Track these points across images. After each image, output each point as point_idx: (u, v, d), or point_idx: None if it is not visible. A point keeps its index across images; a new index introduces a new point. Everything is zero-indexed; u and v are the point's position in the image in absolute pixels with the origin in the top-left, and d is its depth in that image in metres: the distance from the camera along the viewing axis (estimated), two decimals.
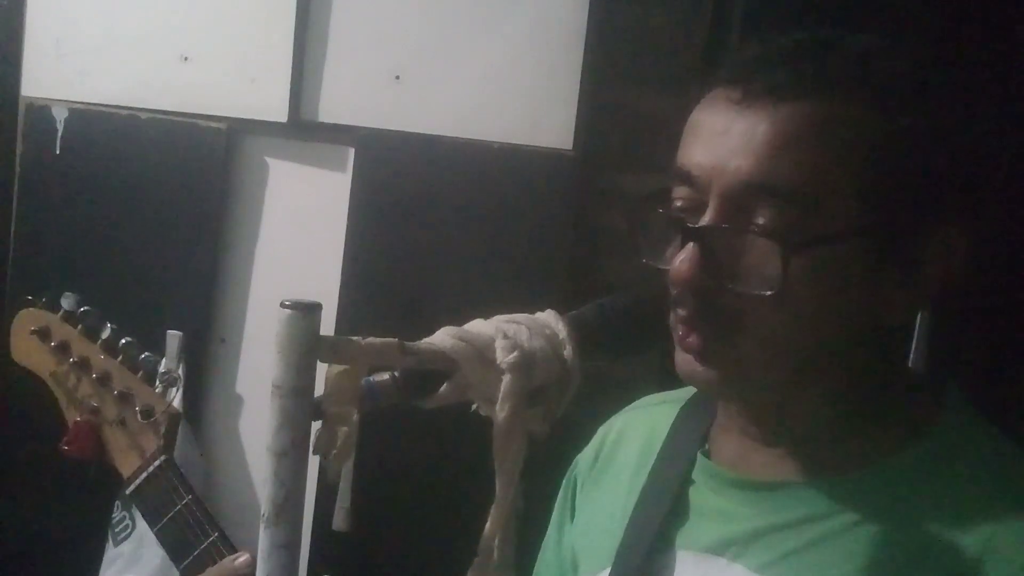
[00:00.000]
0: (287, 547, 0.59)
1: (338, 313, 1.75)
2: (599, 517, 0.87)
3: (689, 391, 0.87)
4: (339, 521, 0.73)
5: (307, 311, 0.58)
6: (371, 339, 0.63)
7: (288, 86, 1.78)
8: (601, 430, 0.95)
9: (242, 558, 0.90)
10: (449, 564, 0.77)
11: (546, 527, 0.97)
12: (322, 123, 1.81)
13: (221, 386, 1.88)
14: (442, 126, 1.75)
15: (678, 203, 0.71)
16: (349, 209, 1.77)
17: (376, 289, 1.77)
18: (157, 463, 0.93)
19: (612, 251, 1.69)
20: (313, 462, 0.61)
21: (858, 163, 0.64)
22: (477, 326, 0.69)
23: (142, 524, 1.31)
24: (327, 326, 0.59)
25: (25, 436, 1.82)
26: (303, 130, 1.81)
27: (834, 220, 0.64)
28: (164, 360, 1.81)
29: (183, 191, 1.83)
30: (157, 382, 0.96)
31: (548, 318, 0.71)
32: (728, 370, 0.69)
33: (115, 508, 1.72)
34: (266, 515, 0.59)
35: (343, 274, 1.77)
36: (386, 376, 0.67)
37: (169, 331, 1.82)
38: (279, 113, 1.80)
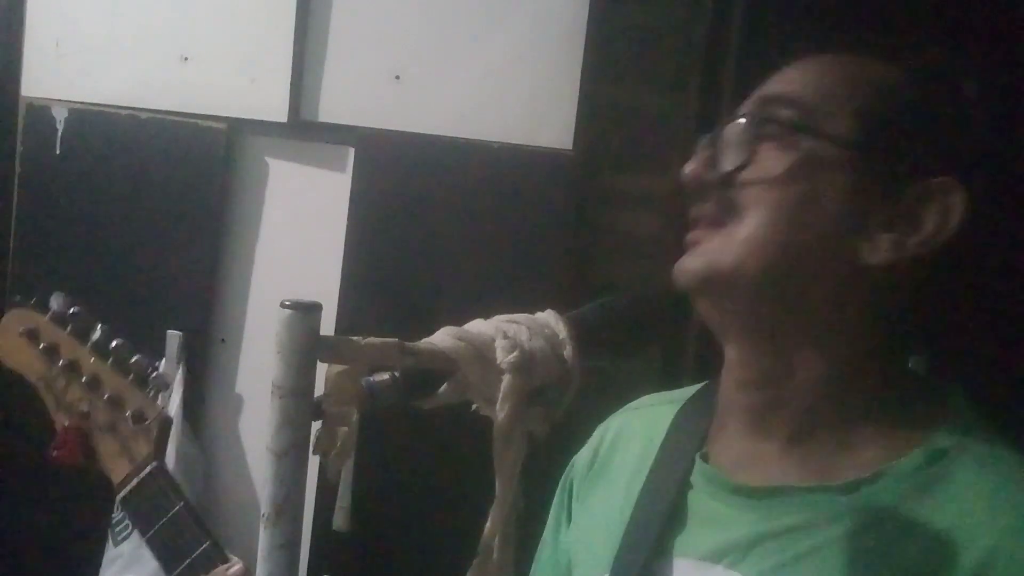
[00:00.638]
0: (287, 547, 0.59)
1: (338, 313, 1.75)
2: (596, 521, 0.86)
3: (688, 392, 0.87)
4: (339, 521, 0.73)
5: (307, 311, 0.58)
6: (371, 339, 0.62)
7: (288, 86, 1.79)
8: (598, 431, 0.94)
9: (235, 567, 0.89)
10: (449, 564, 0.77)
11: (541, 539, 0.96)
12: (322, 123, 1.81)
13: (221, 386, 1.88)
14: (442, 126, 1.75)
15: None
16: (349, 209, 1.77)
17: (376, 289, 1.77)
18: (148, 469, 0.90)
19: (612, 251, 1.69)
20: (313, 462, 0.61)
21: (858, 88, 0.72)
22: (477, 326, 0.69)
23: None
24: (327, 326, 0.59)
25: (25, 436, 1.82)
26: (303, 130, 1.81)
27: (829, 127, 0.71)
28: (164, 361, 1.81)
29: (183, 191, 1.83)
30: (148, 386, 0.93)
31: (548, 318, 0.71)
32: (718, 260, 0.73)
33: (115, 508, 1.72)
34: (266, 515, 0.59)
35: (343, 274, 1.77)
36: (386, 376, 0.66)
37: (169, 331, 1.82)
38: (279, 113, 1.80)
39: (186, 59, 1.84)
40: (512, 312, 0.71)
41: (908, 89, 0.73)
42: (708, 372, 0.85)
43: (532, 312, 0.72)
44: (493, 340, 0.67)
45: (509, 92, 1.73)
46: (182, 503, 0.90)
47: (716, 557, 0.73)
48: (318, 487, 1.34)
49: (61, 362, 0.94)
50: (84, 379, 0.93)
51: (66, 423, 0.92)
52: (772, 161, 0.71)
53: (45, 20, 1.89)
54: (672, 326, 1.57)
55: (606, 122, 1.69)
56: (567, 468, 0.95)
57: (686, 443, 0.82)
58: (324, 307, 0.59)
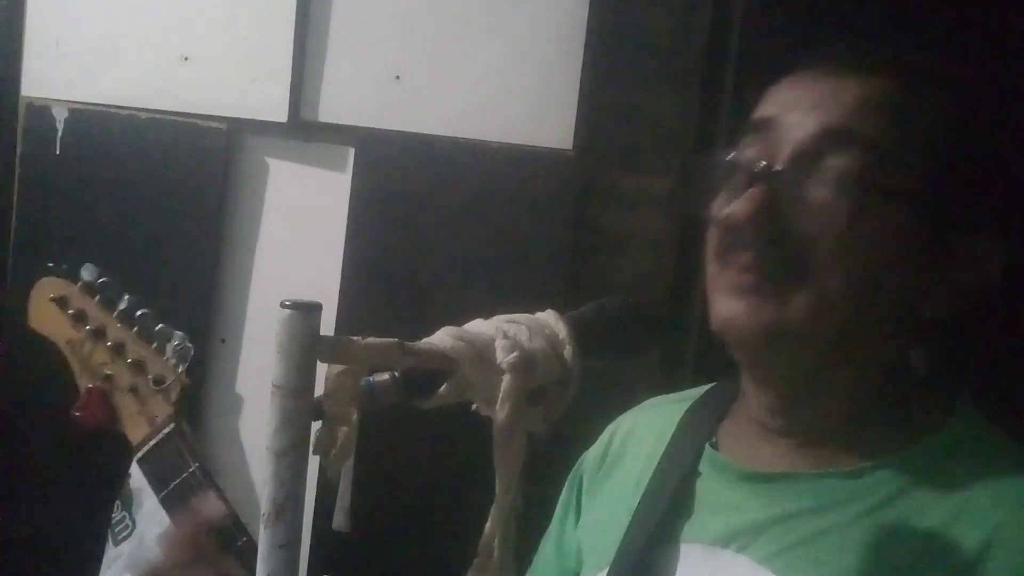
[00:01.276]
0: (287, 547, 0.59)
1: (338, 313, 1.75)
2: (606, 515, 0.87)
3: (697, 392, 0.88)
4: (339, 521, 0.73)
5: (307, 311, 0.58)
6: (371, 339, 0.62)
7: (288, 86, 1.78)
8: (609, 428, 0.95)
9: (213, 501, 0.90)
10: (449, 564, 0.77)
11: (546, 527, 0.97)
12: (322, 123, 1.81)
13: (221, 386, 1.88)
14: (442, 126, 1.75)
15: (747, 154, 0.71)
16: (349, 209, 1.77)
17: (376, 289, 1.77)
18: (167, 430, 0.94)
19: (612, 251, 1.69)
20: (313, 462, 0.61)
21: (930, 138, 0.67)
22: (477, 326, 0.69)
23: (142, 524, 1.31)
24: (327, 326, 0.59)
25: (25, 435, 1.82)
26: (303, 130, 1.81)
27: (900, 181, 0.66)
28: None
29: (183, 191, 1.83)
30: (170, 353, 0.98)
31: (548, 318, 0.71)
32: (777, 321, 0.67)
33: (115, 508, 1.72)
34: (266, 515, 0.59)
35: (343, 274, 1.77)
36: (386, 376, 0.67)
37: None
38: (279, 113, 1.80)
39: (186, 59, 1.84)
40: (512, 312, 0.71)
41: (971, 130, 0.68)
42: (708, 372, 0.86)
43: (532, 312, 0.72)
44: (493, 340, 0.67)
45: (509, 92, 1.73)
46: (197, 464, 0.93)
47: (724, 542, 0.74)
48: (318, 487, 1.34)
49: (88, 327, 0.99)
50: (109, 344, 0.98)
51: (90, 385, 0.96)
52: (842, 212, 0.65)
53: (45, 20, 1.89)
54: (672, 326, 1.57)
55: (606, 122, 1.69)
56: (576, 464, 0.96)
57: (696, 435, 0.83)
58: (324, 307, 0.59)
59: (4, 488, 1.91)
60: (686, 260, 1.56)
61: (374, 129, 1.77)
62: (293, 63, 1.78)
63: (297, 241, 1.84)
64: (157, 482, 0.96)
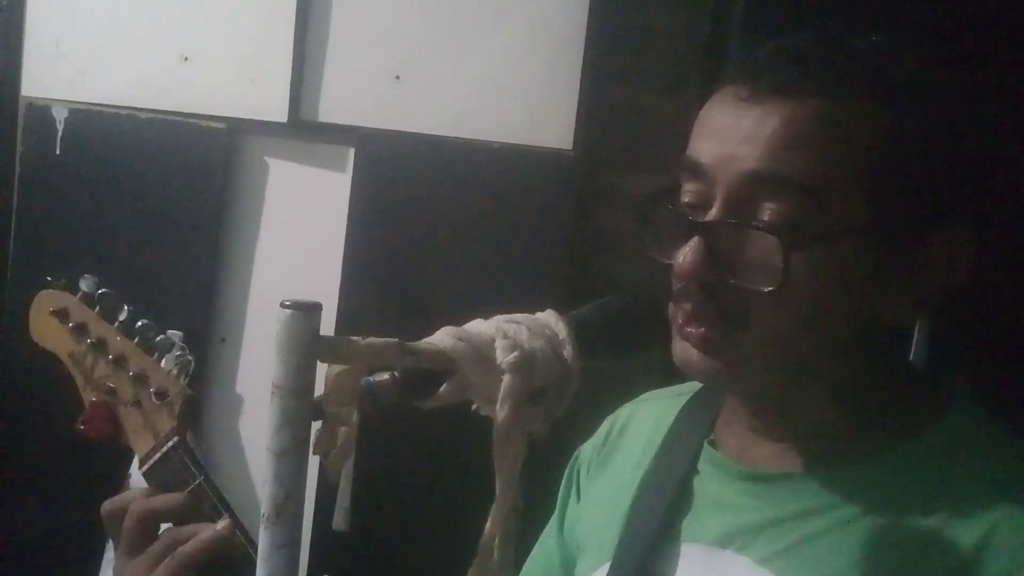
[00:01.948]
0: (287, 547, 0.59)
1: (338, 313, 1.75)
2: (602, 508, 0.87)
3: (696, 384, 0.88)
4: (339, 521, 0.73)
5: (307, 311, 0.58)
6: (371, 339, 0.62)
7: (288, 86, 1.79)
8: (608, 420, 0.95)
9: (223, 522, 0.90)
10: (449, 564, 0.77)
11: (545, 526, 0.97)
12: (322, 123, 1.81)
13: (221, 386, 1.88)
14: (442, 126, 1.75)
15: (686, 198, 0.71)
16: (349, 209, 1.77)
17: (376, 289, 1.77)
18: (171, 443, 0.93)
19: (612, 251, 1.69)
20: (313, 462, 0.61)
21: (865, 161, 0.64)
22: (477, 326, 0.69)
23: None
24: (327, 326, 0.59)
25: (23, 436, 1.82)
26: (303, 130, 1.81)
27: (839, 217, 0.64)
28: (164, 360, 1.81)
29: (183, 191, 1.83)
30: (171, 364, 0.98)
31: (548, 318, 0.71)
32: (729, 364, 0.69)
33: None
34: (266, 515, 0.59)
35: (343, 274, 1.77)
36: (386, 376, 0.66)
37: (169, 331, 1.81)
38: (279, 113, 1.80)
39: (186, 59, 1.84)
40: (512, 312, 0.71)
41: (911, 142, 0.65)
42: None
43: (532, 312, 0.72)
44: (493, 340, 0.67)
45: (509, 92, 1.73)
46: (203, 476, 0.92)
47: (724, 542, 0.74)
48: (318, 487, 1.34)
49: (89, 340, 0.97)
50: (111, 356, 0.97)
51: (93, 398, 0.95)
52: (778, 260, 0.63)
53: (45, 20, 1.89)
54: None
55: (606, 122, 1.69)
56: (572, 458, 0.96)
57: (693, 430, 0.83)
58: (324, 307, 0.59)
59: (4, 488, 1.91)
60: None
61: (374, 129, 1.77)
62: (293, 63, 1.78)
63: (297, 241, 1.84)
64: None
